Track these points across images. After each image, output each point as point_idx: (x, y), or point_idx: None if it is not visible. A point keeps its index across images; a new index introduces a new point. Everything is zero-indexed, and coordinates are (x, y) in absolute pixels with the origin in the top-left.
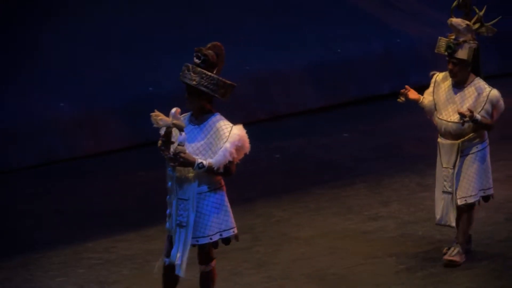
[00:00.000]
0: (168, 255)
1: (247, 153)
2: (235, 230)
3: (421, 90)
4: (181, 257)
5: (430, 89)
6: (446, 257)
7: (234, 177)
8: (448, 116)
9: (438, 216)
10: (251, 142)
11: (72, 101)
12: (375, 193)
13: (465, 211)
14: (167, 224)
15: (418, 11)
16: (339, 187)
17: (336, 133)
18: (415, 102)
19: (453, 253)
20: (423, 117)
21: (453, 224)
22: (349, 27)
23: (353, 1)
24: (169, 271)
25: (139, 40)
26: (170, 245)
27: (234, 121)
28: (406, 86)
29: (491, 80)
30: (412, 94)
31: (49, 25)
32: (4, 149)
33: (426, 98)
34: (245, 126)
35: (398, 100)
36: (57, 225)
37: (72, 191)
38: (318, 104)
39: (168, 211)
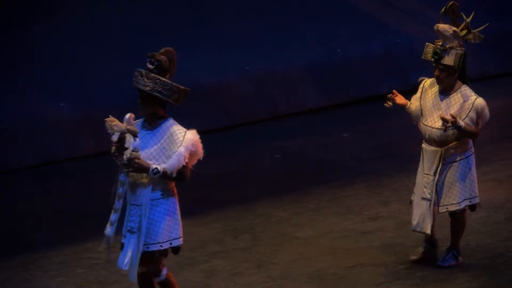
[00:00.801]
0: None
1: (201, 158)
2: (182, 240)
3: None
4: (129, 262)
5: (418, 94)
6: (440, 263)
7: (234, 177)
8: (433, 122)
9: (414, 222)
10: (251, 142)
11: (72, 101)
12: (375, 193)
13: (454, 219)
14: (110, 231)
15: (418, 11)
16: (339, 187)
17: (336, 133)
18: (402, 107)
19: (447, 258)
20: None
21: (429, 231)
22: (349, 27)
23: (353, 1)
24: (143, 278)
25: (139, 40)
26: None
27: (235, 121)
28: (394, 91)
29: (491, 80)
30: (399, 99)
31: (49, 25)
32: (4, 149)
33: (413, 103)
34: (245, 126)
35: (385, 105)
36: (57, 225)
37: (72, 191)
38: (318, 104)
39: (114, 217)
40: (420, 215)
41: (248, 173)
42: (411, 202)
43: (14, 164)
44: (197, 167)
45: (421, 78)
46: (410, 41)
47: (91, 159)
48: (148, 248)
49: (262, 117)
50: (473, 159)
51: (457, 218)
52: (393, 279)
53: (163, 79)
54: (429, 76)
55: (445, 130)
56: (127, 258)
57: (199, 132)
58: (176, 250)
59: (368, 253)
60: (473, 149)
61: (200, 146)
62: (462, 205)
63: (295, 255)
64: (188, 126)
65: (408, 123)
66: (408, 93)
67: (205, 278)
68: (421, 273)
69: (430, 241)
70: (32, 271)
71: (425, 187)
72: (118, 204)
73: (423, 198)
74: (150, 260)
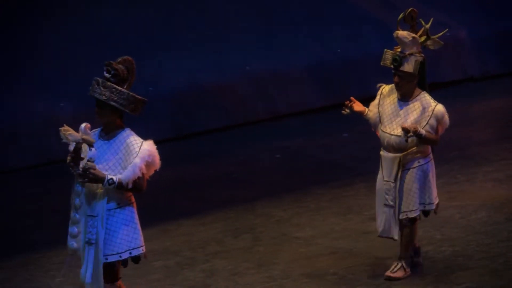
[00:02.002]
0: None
1: (157, 169)
2: (144, 249)
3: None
4: (91, 275)
5: (376, 101)
6: (387, 273)
7: (234, 177)
8: (392, 129)
9: (380, 229)
10: (251, 142)
11: (72, 101)
12: (375, 193)
13: (406, 226)
14: (73, 244)
15: (418, 11)
16: (339, 187)
17: (336, 133)
18: (361, 115)
19: (395, 269)
20: None
21: (396, 237)
22: (349, 27)
23: (353, 1)
24: None
25: (139, 40)
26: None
27: (235, 121)
28: (351, 98)
29: (492, 80)
30: (357, 106)
31: (49, 25)
32: (4, 149)
33: (372, 110)
34: (245, 126)
35: (343, 112)
36: (57, 225)
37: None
38: (318, 104)
39: (74, 230)
40: (385, 222)
41: (248, 173)
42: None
43: (14, 164)
44: (197, 167)
45: (379, 85)
46: None
47: None
48: (107, 259)
49: (262, 117)
50: (431, 165)
51: (407, 228)
52: (393, 279)
53: (120, 88)
54: (384, 84)
55: (406, 140)
56: (89, 271)
57: (199, 133)
58: (136, 259)
59: (368, 253)
60: (431, 156)
61: (157, 157)
62: (418, 212)
63: (295, 255)
64: (188, 126)
65: None
66: None
67: (205, 278)
68: (421, 273)
69: (414, 248)
70: (32, 271)
71: (387, 194)
72: (76, 216)
73: (385, 205)
74: (110, 272)
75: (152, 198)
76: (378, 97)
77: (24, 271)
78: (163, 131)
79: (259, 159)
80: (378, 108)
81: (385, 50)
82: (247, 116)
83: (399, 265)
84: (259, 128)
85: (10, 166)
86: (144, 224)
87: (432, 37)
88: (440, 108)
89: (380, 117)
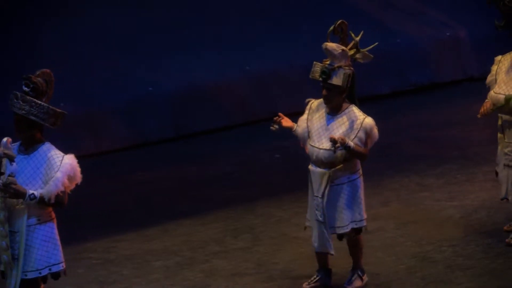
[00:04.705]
0: None
1: (79, 183)
2: (64, 265)
3: (421, 91)
4: None
5: (305, 116)
6: (346, 286)
7: (234, 177)
8: (321, 143)
9: (315, 244)
10: (251, 142)
11: (72, 101)
12: (375, 193)
13: (349, 237)
14: (5, 257)
15: (418, 11)
16: None
17: None
18: (289, 130)
19: (353, 279)
20: (422, 117)
21: (332, 251)
22: (349, 27)
23: (353, 1)
24: None
25: (139, 40)
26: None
27: (235, 121)
28: (280, 114)
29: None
30: (286, 122)
31: (49, 25)
32: None
33: (300, 125)
34: (245, 126)
35: (271, 128)
36: (57, 225)
37: (72, 191)
38: None
39: (3, 244)
40: (319, 237)
41: (248, 173)
42: (305, 228)
43: None
44: (197, 167)
45: (307, 100)
46: (410, 41)
47: (91, 159)
48: (26, 275)
49: (262, 117)
50: (360, 181)
51: (352, 240)
52: (393, 279)
53: (39, 102)
54: (313, 99)
55: (334, 152)
56: (12, 287)
57: (199, 133)
58: (55, 276)
59: (368, 253)
60: (361, 171)
61: (78, 171)
62: (349, 228)
63: (295, 255)
64: (188, 126)
65: (409, 123)
66: (408, 93)
67: (205, 278)
68: (421, 273)
69: (325, 269)
70: None
71: (317, 210)
72: (3, 230)
73: (317, 220)
74: None
75: (152, 198)
76: (306, 112)
77: None
78: (163, 131)
79: (259, 159)
80: (307, 123)
81: (314, 62)
82: (247, 116)
83: (355, 275)
84: (259, 128)
85: None
86: (144, 224)
87: (361, 50)
88: (368, 121)
89: (309, 132)
